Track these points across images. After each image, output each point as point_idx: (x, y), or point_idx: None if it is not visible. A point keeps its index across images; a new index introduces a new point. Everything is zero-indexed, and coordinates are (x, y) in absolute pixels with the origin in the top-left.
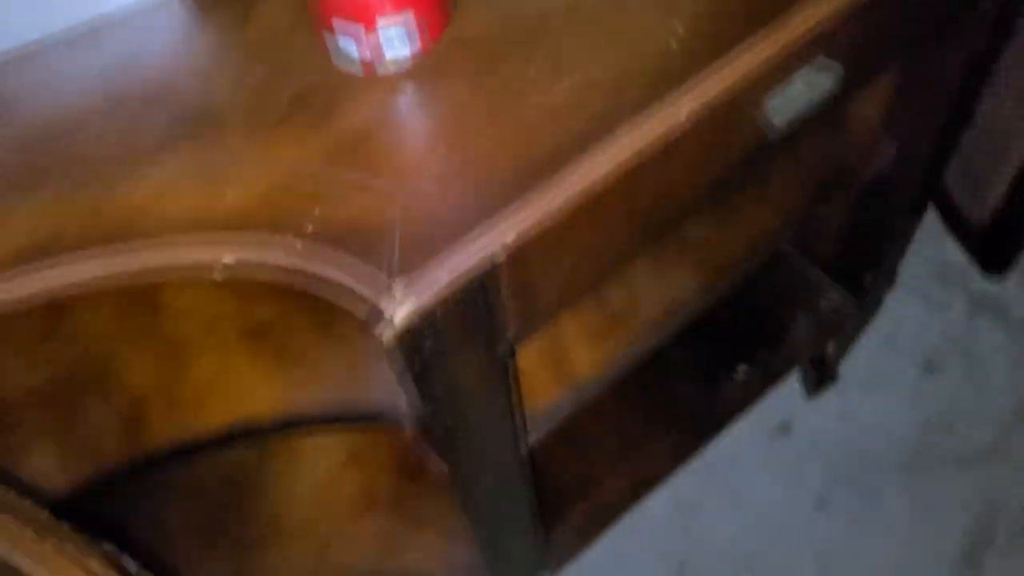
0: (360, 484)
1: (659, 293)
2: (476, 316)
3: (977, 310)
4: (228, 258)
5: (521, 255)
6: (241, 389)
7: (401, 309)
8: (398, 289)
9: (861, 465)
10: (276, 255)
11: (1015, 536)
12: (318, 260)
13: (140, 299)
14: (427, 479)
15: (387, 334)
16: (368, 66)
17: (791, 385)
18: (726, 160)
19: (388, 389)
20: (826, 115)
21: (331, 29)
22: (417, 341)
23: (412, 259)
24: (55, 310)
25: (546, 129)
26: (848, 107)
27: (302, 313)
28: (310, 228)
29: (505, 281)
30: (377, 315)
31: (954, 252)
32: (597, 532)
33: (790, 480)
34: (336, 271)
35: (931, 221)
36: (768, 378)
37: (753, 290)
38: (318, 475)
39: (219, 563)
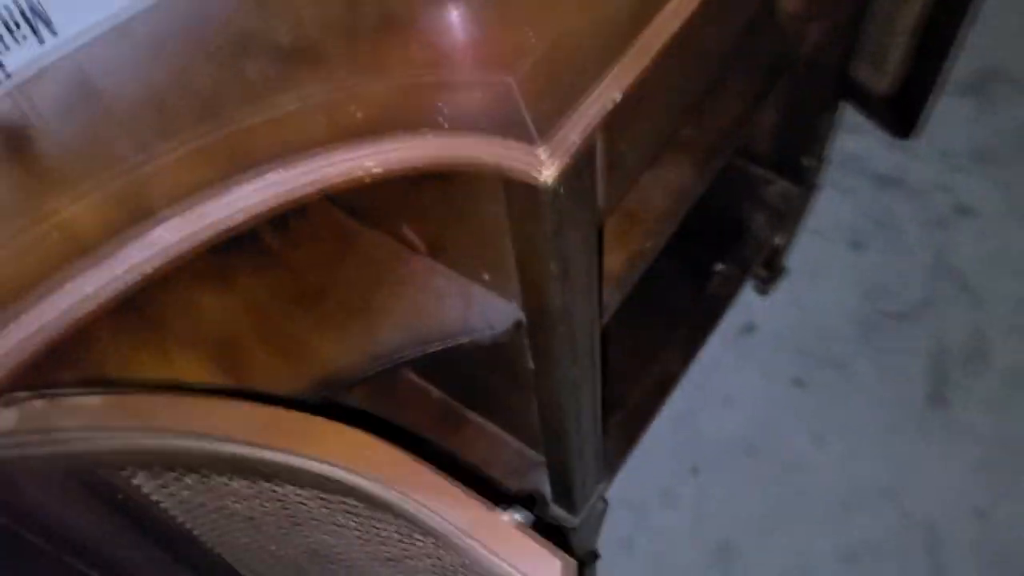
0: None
1: (661, 187)
2: (586, 187)
3: (881, 186)
4: (372, 164)
5: (611, 125)
6: (316, 350)
7: (548, 172)
8: (544, 154)
9: (823, 343)
10: (420, 153)
11: (965, 367)
12: (463, 147)
13: None
14: (468, 424)
15: (544, 197)
16: None
17: (745, 289)
18: (743, 19)
19: (457, 315)
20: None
21: None
22: (556, 199)
23: (542, 128)
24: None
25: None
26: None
27: (355, 270)
28: (444, 123)
29: (600, 152)
30: (529, 181)
31: (847, 140)
32: (636, 437)
33: (767, 371)
34: (485, 152)
35: None
36: (744, 269)
37: (710, 197)
38: None
39: None
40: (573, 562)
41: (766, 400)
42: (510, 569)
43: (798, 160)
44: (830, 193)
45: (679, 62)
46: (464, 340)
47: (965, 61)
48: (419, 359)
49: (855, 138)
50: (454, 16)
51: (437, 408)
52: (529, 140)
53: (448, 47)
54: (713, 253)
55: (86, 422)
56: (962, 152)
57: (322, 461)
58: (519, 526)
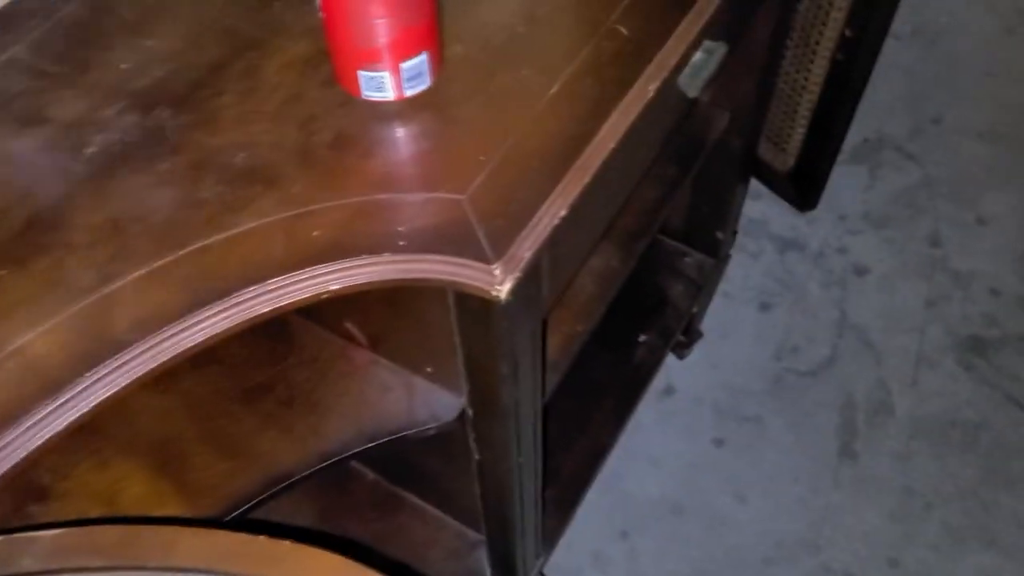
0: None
1: (589, 274)
2: (531, 288)
3: (783, 249)
4: (336, 285)
5: (555, 237)
6: (260, 449)
7: (503, 287)
8: (498, 272)
9: (738, 402)
10: (380, 273)
11: (871, 420)
12: (421, 265)
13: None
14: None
15: (497, 309)
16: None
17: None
18: (666, 129)
19: (402, 408)
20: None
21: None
22: (510, 310)
23: (496, 246)
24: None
25: (553, 120)
26: None
27: (298, 366)
28: (401, 242)
29: (545, 262)
30: (485, 297)
31: (751, 206)
32: (571, 508)
33: (687, 431)
34: (443, 271)
35: None
36: (666, 338)
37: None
38: None
39: None
40: None
41: (689, 460)
42: None
43: (712, 234)
44: (738, 257)
45: (616, 172)
46: (409, 432)
47: (853, 131)
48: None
49: (758, 204)
50: (403, 135)
51: (374, 491)
52: (484, 259)
53: (400, 165)
54: (636, 325)
55: (45, 559)
56: (856, 215)
57: None
58: None
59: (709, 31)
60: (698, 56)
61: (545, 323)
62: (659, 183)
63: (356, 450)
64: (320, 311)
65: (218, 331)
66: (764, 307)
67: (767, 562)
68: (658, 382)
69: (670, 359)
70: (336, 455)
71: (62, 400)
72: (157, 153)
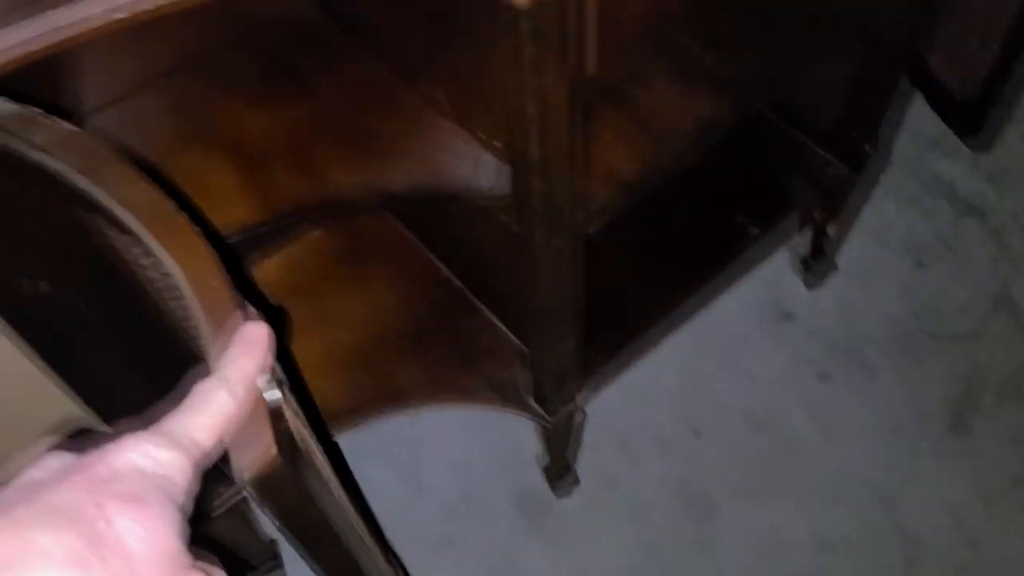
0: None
1: (684, 112)
2: (567, 27)
3: (961, 214)
4: None
5: None
6: (330, 174)
7: None
8: None
9: (857, 346)
10: None
11: (1000, 401)
12: None
13: None
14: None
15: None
16: None
17: (792, 279)
18: None
19: (464, 171)
20: None
21: None
22: (533, 25)
23: None
24: None
25: None
26: None
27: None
28: None
29: (591, 6)
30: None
31: (938, 162)
32: (625, 359)
33: (794, 357)
34: None
35: (919, 138)
36: (776, 236)
37: (758, 160)
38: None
39: None
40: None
41: (786, 384)
42: None
43: (857, 142)
44: (907, 209)
45: None
46: (464, 198)
47: None
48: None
49: (947, 162)
50: None
51: (455, 295)
52: None
53: None
54: (751, 217)
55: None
56: None
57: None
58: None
59: None
60: None
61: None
62: (788, 51)
63: (412, 196)
64: (418, 73)
65: None
66: (919, 264)
67: (836, 502)
68: (778, 305)
69: (798, 287)
70: (392, 195)
71: None
72: None
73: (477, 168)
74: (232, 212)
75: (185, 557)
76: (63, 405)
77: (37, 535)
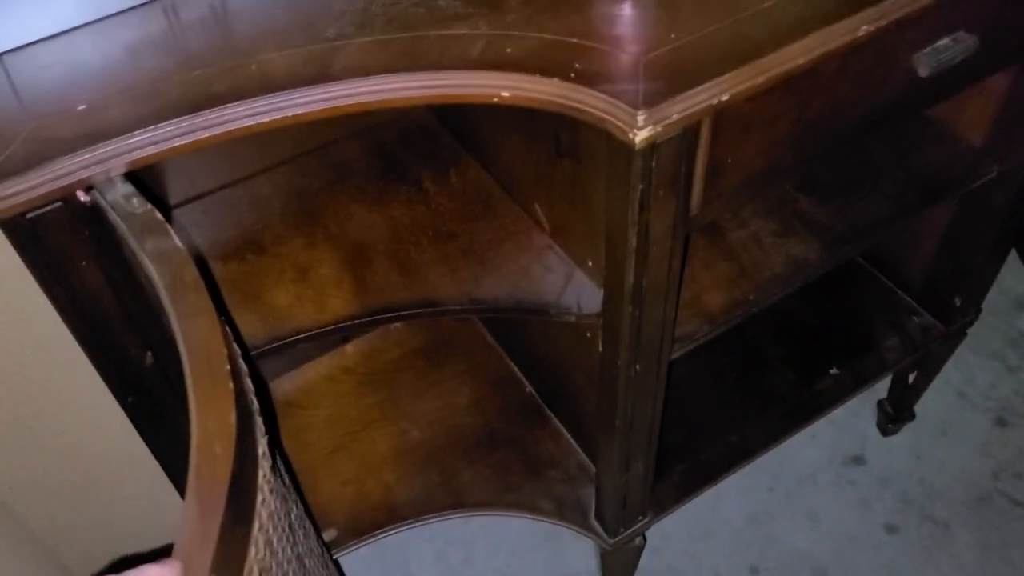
0: (482, 424)
1: (779, 254)
2: (678, 169)
3: None
4: (506, 92)
5: (718, 130)
6: (427, 277)
7: (642, 133)
8: (641, 117)
9: (931, 500)
10: (545, 90)
11: None
12: (578, 95)
13: None
14: (548, 423)
15: (634, 156)
16: None
17: (867, 424)
18: (878, 97)
19: (556, 289)
20: (933, 123)
21: None
22: (647, 165)
23: (650, 100)
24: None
25: (754, 26)
26: (956, 117)
27: (486, 228)
28: (572, 75)
29: (702, 152)
30: (621, 137)
31: None
32: (691, 492)
33: (862, 505)
34: (594, 102)
35: (1007, 295)
36: (857, 383)
37: (846, 308)
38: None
39: None
40: None
41: (851, 532)
42: None
43: (949, 298)
44: (992, 365)
45: (800, 96)
46: (553, 313)
47: None
48: (519, 345)
49: None
50: (623, 7)
51: (526, 402)
52: (633, 105)
53: (603, 22)
54: (833, 357)
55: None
56: None
57: None
58: None
59: (962, 19)
60: (944, 41)
61: (688, 243)
62: (887, 201)
63: (502, 308)
64: (520, 187)
65: (397, 96)
66: (1001, 422)
67: None
68: (851, 448)
69: (872, 431)
70: (486, 306)
71: (276, 101)
72: None
73: (569, 286)
74: (329, 305)
75: None
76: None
77: None
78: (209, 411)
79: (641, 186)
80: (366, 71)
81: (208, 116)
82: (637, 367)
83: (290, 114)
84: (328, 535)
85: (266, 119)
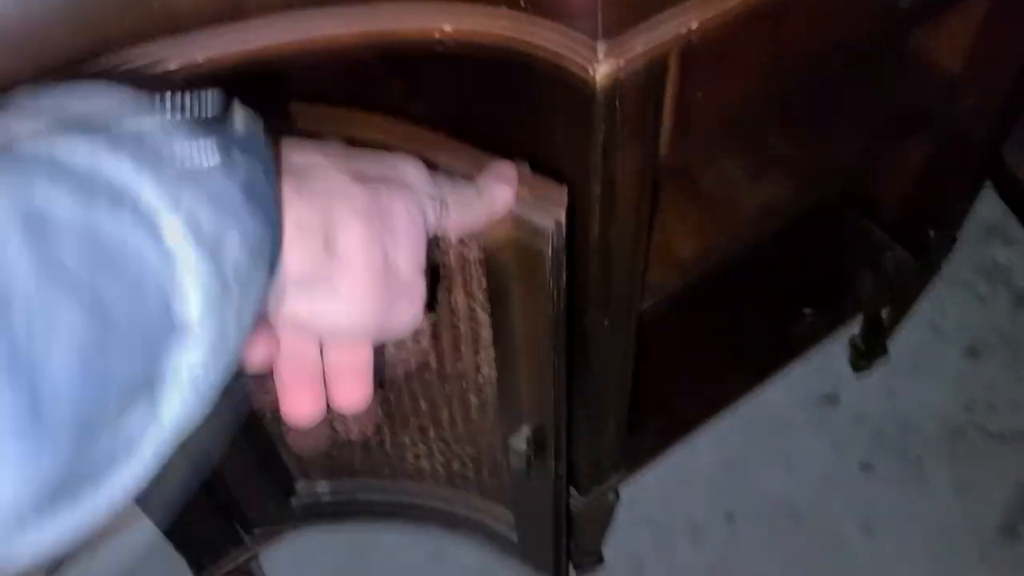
0: None
1: (751, 197)
2: (645, 110)
3: (1019, 304)
4: (448, 26)
5: (687, 63)
6: None
7: (602, 67)
8: (600, 49)
9: (904, 437)
10: (493, 24)
11: None
12: (530, 27)
13: None
14: None
15: (595, 94)
16: None
17: (839, 362)
18: (859, 27)
19: None
20: (909, 55)
21: None
22: (609, 105)
23: (611, 30)
24: None
25: None
26: (933, 45)
27: None
28: (522, 3)
29: (670, 88)
30: (580, 74)
31: (998, 250)
32: (667, 444)
33: (836, 445)
34: (547, 35)
35: (978, 223)
36: (832, 323)
37: (819, 247)
38: None
39: None
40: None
41: (826, 473)
42: None
43: (924, 232)
44: (963, 296)
45: (771, 43)
46: None
47: None
48: None
49: (1007, 249)
50: None
51: None
52: (593, 35)
53: None
54: (806, 297)
55: None
56: None
57: None
58: None
59: None
60: None
61: (657, 190)
62: (861, 140)
63: None
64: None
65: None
66: (972, 353)
67: None
68: (823, 387)
69: (844, 369)
70: None
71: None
72: None
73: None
74: None
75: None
76: None
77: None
78: None
79: (604, 128)
80: (287, 3)
81: (100, 65)
82: (605, 320)
83: (200, 59)
84: None
85: (173, 66)
